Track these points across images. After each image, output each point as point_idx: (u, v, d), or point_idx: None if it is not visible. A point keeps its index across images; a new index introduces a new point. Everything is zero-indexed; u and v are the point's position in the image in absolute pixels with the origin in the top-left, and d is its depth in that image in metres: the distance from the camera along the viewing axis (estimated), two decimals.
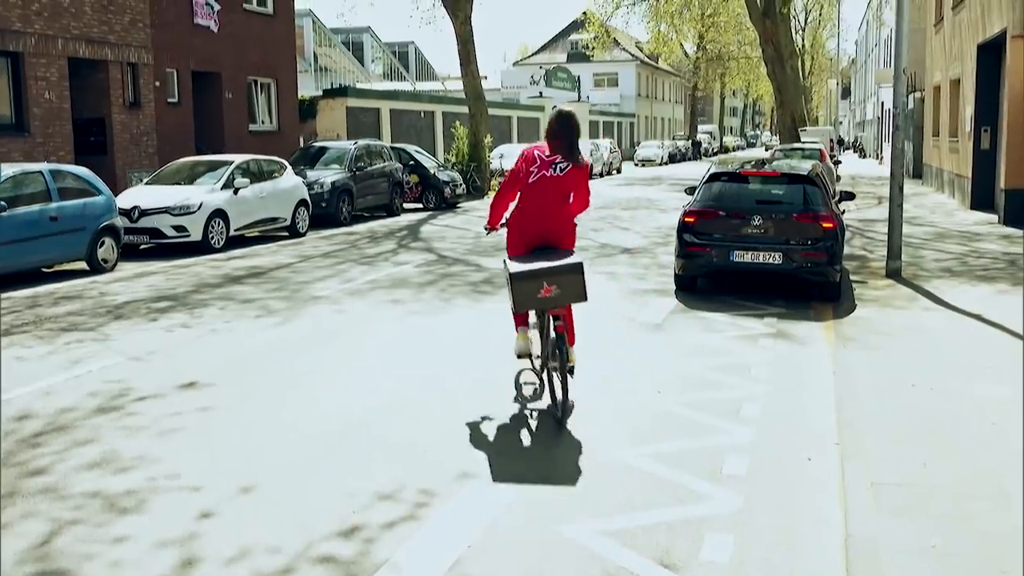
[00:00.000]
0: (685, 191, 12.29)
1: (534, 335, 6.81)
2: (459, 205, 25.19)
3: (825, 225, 10.39)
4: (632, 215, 22.21)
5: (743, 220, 10.59)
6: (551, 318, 6.43)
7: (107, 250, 13.88)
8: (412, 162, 24.88)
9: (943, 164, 26.45)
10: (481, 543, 4.54)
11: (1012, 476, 5.26)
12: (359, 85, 39.13)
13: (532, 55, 76.11)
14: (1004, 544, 4.45)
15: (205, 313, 10.43)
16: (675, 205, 20.15)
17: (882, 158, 49.45)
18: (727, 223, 10.68)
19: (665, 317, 9.97)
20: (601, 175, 42.08)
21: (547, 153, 6.63)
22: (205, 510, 4.94)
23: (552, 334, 6.40)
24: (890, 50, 40.98)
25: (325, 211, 19.87)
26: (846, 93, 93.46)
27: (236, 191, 16.64)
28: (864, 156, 63.34)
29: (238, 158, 17.74)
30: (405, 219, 21.95)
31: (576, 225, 6.95)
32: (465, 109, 30.94)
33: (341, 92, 32.20)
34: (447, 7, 28.66)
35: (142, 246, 15.79)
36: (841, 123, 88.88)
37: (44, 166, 13.55)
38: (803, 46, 72.12)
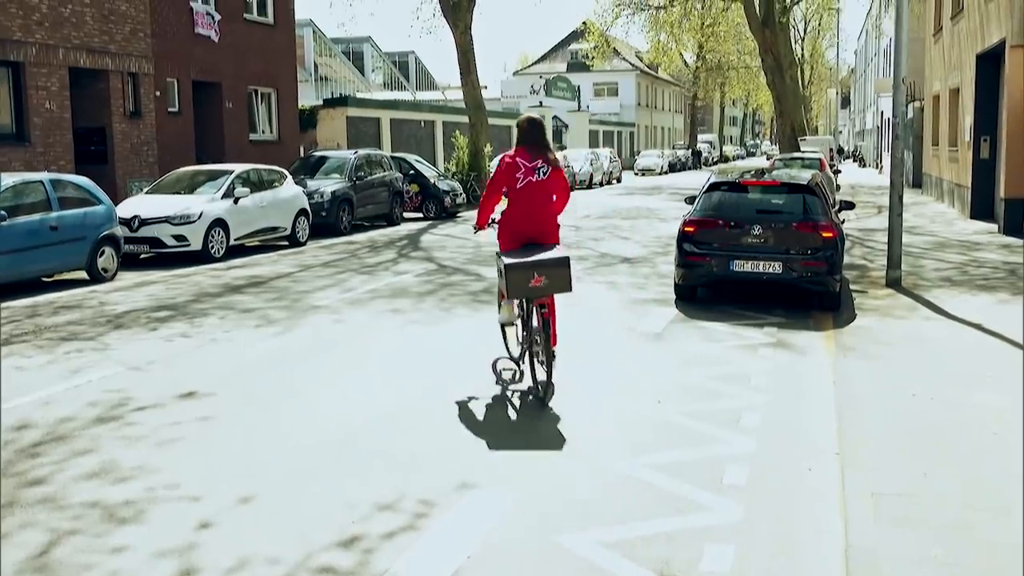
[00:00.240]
0: (685, 201, 12.29)
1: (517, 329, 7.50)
2: (459, 215, 25.21)
3: (825, 235, 10.40)
4: (632, 224, 22.22)
5: (743, 230, 10.59)
6: (538, 306, 7.07)
7: (107, 259, 13.89)
8: (412, 172, 24.91)
9: (943, 173, 26.48)
10: (480, 554, 4.53)
11: (1013, 486, 5.25)
12: (359, 95, 39.19)
13: (532, 65, 76.22)
14: (1005, 554, 4.44)
15: (205, 323, 10.43)
16: (675, 214, 20.18)
17: (882, 167, 49.51)
18: (727, 233, 10.69)
19: (665, 326, 9.97)
20: (601, 184, 42.13)
21: (528, 159, 7.34)
22: (204, 520, 4.93)
23: (535, 322, 7.07)
24: (889, 60, 41.10)
25: (325, 220, 19.88)
26: (845, 103, 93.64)
27: (236, 201, 16.66)
28: (864, 165, 63.40)
29: (238, 168, 17.76)
30: (405, 228, 21.97)
31: (559, 225, 7.59)
32: (465, 119, 31.00)
33: (341, 102, 32.27)
34: (447, 17, 28.74)
35: (142, 255, 15.81)
36: (841, 132, 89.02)
37: (44, 175, 13.57)
38: (802, 56, 72.30)
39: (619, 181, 45.87)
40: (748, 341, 9.18)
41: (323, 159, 22.58)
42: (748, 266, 10.46)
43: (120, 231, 14.37)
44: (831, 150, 40.70)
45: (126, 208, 15.82)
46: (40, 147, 18.09)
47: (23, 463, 5.85)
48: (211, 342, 9.45)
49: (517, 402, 7.21)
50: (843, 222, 11.81)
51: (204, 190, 16.80)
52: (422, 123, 36.82)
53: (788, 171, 13.78)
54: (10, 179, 12.88)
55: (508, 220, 7.43)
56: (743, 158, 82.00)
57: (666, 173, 56.72)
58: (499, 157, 7.50)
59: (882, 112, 48.11)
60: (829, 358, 8.46)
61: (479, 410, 7.01)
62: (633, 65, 73.02)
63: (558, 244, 7.38)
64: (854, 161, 68.92)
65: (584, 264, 14.98)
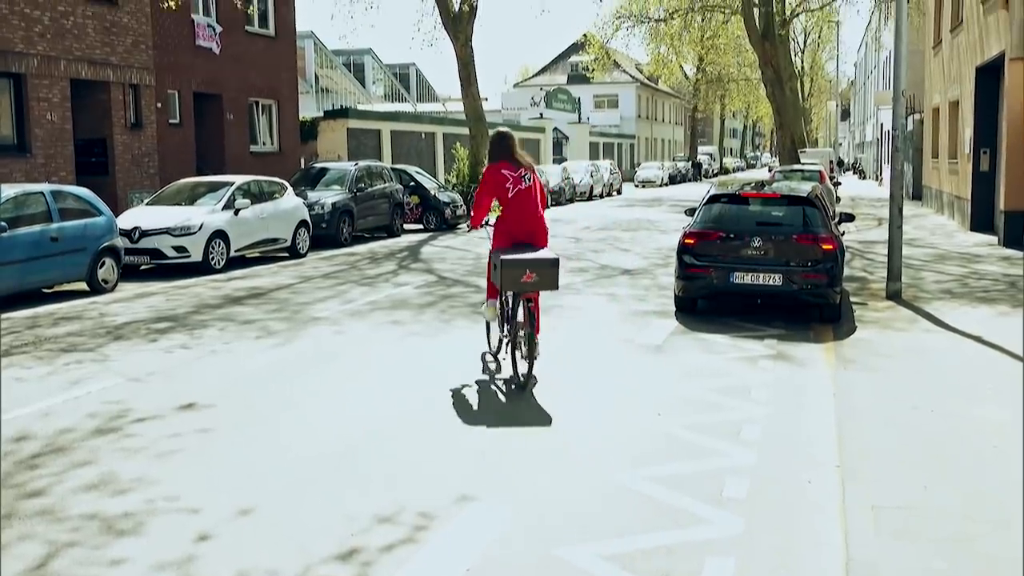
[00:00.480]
0: (685, 212, 12.30)
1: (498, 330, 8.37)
2: (459, 226, 25.22)
3: (825, 247, 10.40)
4: (632, 236, 22.23)
5: (743, 242, 10.60)
6: (525, 300, 7.77)
7: (107, 271, 13.89)
8: (413, 183, 24.95)
9: (943, 186, 26.51)
10: (480, 566, 4.52)
11: (1013, 498, 5.24)
12: (360, 106, 39.29)
13: (532, 77, 76.37)
14: (1006, 567, 4.43)
15: (205, 334, 10.42)
16: (675, 226, 20.19)
17: (881, 179, 49.58)
18: (727, 245, 10.69)
19: (665, 338, 9.96)
20: (601, 196, 42.16)
21: (512, 170, 8.14)
22: (203, 532, 4.92)
23: (522, 315, 7.79)
24: (889, 72, 41.19)
25: (326, 232, 19.90)
26: (845, 115, 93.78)
27: (237, 212, 16.67)
28: (864, 177, 63.47)
29: (239, 179, 17.79)
30: (405, 240, 21.98)
31: (547, 229, 8.33)
32: (466, 130, 31.05)
33: (342, 113, 32.33)
34: (448, 29, 28.81)
35: (143, 267, 15.82)
36: (840, 144, 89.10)
37: (45, 187, 13.59)
38: (802, 68, 72.34)
39: (619, 193, 45.92)
40: (748, 353, 9.18)
41: (324, 171, 22.61)
42: (748, 278, 10.46)
43: (120, 242, 14.38)
44: (831, 162, 40.78)
45: (127, 219, 15.84)
46: (41, 158, 18.13)
47: (22, 475, 5.84)
48: (211, 354, 9.44)
49: (517, 415, 7.20)
50: (843, 234, 11.82)
51: (205, 201, 16.82)
52: (423, 135, 36.89)
53: (788, 183, 13.79)
54: (11, 190, 12.89)
55: (504, 225, 8.19)
56: (743, 170, 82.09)
57: (666, 185, 56.78)
58: (485, 168, 8.37)
59: (882, 124, 48.21)
60: (829, 370, 8.45)
61: (479, 422, 7.00)
62: (633, 77, 73.18)
63: (546, 247, 8.14)
64: (854, 173, 69.01)
65: (584, 276, 14.99)
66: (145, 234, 15.49)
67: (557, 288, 7.89)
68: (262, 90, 26.01)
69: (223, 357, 9.29)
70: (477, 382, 8.10)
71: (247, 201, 16.95)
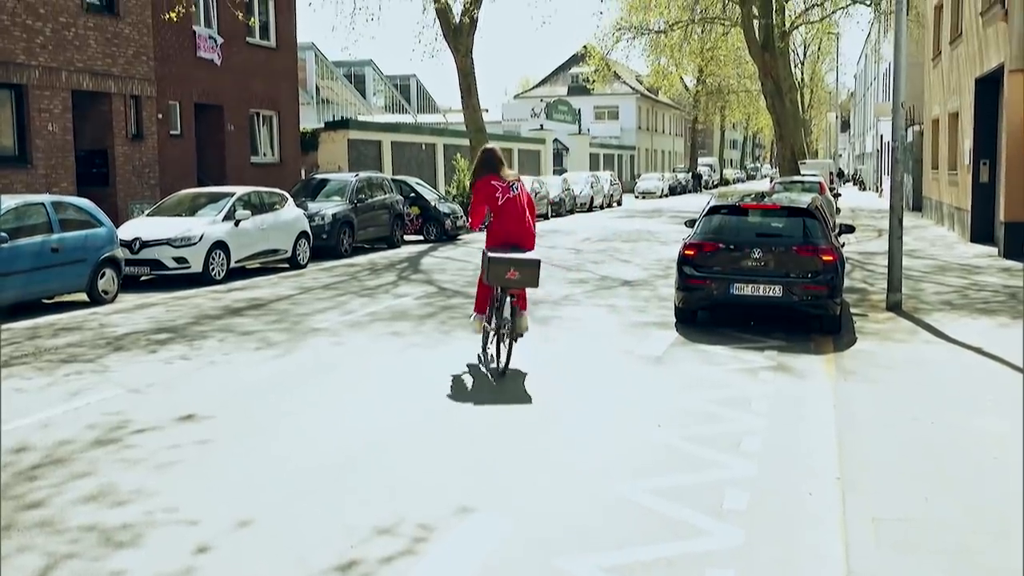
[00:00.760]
0: (685, 224, 12.30)
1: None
2: (460, 237, 25.25)
3: (825, 258, 10.41)
4: (632, 247, 22.24)
5: (743, 253, 10.60)
6: (510, 295, 8.66)
7: (108, 281, 13.89)
8: (413, 194, 24.97)
9: (942, 197, 26.54)
10: None
11: (1014, 510, 5.23)
12: (361, 117, 39.33)
13: (533, 88, 76.47)
14: None
15: (204, 345, 10.42)
16: (675, 238, 20.19)
17: (881, 191, 49.61)
18: (727, 256, 10.69)
19: (665, 350, 9.96)
20: (601, 207, 42.20)
21: (501, 181, 8.91)
22: (202, 544, 4.91)
23: (507, 309, 8.61)
24: (889, 84, 41.25)
25: (326, 243, 19.91)
26: (845, 126, 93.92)
27: (237, 223, 16.68)
28: (864, 189, 63.52)
29: (239, 190, 17.81)
30: (406, 251, 21.99)
31: (535, 234, 9.15)
32: (466, 141, 31.08)
33: (343, 124, 32.37)
34: (448, 41, 28.88)
35: (143, 277, 15.81)
36: (840, 156, 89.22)
37: (46, 198, 13.59)
38: (802, 79, 72.46)
39: (619, 204, 45.97)
40: (748, 364, 9.17)
41: (324, 182, 22.65)
42: (748, 289, 10.46)
43: (121, 253, 14.38)
44: (831, 173, 40.78)
45: (127, 230, 15.85)
46: (42, 169, 18.15)
47: (21, 486, 5.83)
48: (210, 364, 9.44)
49: (517, 425, 7.20)
50: (843, 245, 11.82)
51: (205, 212, 16.84)
52: (423, 146, 36.93)
53: (788, 194, 13.79)
54: (11, 201, 12.90)
55: (495, 229, 8.97)
56: (743, 181, 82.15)
57: (666, 196, 56.83)
58: (478, 180, 9.09)
59: (882, 136, 48.27)
60: (829, 382, 8.44)
61: (478, 433, 6.99)
62: (633, 89, 73.27)
63: (533, 249, 8.96)
64: (854, 184, 69.05)
65: (584, 287, 14.99)
66: (145, 245, 15.50)
67: (537, 286, 8.83)
68: (263, 101, 26.06)
69: (223, 368, 9.28)
70: (477, 392, 8.10)
71: (247, 212, 16.97)
